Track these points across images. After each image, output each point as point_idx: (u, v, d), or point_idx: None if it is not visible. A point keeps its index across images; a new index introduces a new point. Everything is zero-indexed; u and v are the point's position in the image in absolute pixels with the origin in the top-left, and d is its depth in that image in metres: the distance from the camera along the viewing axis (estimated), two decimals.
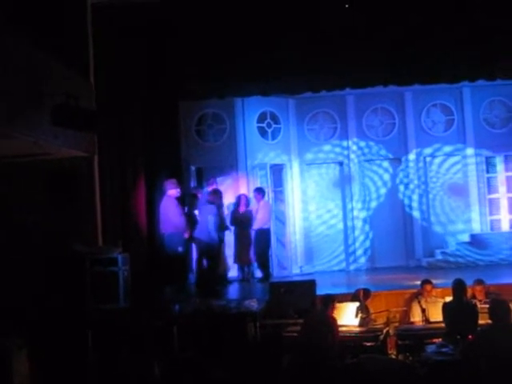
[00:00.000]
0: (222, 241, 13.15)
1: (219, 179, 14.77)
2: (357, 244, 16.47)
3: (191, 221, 12.28)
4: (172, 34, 11.33)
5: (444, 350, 8.43)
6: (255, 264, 14.13)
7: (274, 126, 16.06)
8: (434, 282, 11.32)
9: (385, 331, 10.07)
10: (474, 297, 10.58)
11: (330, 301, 9.59)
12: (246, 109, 15.56)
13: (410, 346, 9.65)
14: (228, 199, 14.37)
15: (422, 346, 9.11)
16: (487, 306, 8.33)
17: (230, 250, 14.07)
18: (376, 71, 11.91)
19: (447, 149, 16.49)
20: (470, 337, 8.41)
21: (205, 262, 12.55)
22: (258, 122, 15.84)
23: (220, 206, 12.97)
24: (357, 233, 16.47)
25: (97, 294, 9.04)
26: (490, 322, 7.57)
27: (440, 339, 9.24)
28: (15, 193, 9.10)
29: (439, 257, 15.95)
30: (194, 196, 13.15)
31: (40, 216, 9.19)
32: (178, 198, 11.91)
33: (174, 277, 11.54)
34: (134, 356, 7.82)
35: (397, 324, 10.63)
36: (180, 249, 11.63)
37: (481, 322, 9.11)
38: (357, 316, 10.17)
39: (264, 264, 13.99)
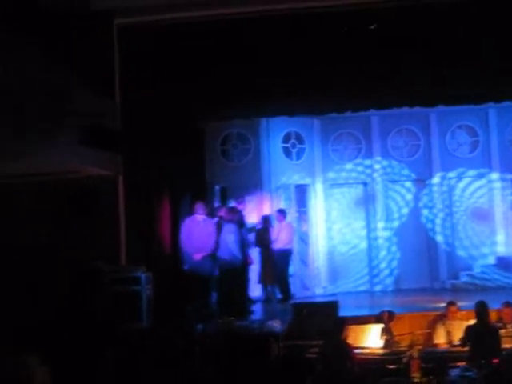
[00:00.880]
0: (246, 259, 13.10)
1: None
2: (381, 265, 16.37)
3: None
4: (198, 55, 11.38)
5: (468, 374, 8.35)
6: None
7: (298, 146, 16.06)
8: (458, 304, 11.21)
9: (408, 354, 9.97)
10: (500, 320, 10.47)
11: (342, 324, 9.53)
12: (270, 129, 15.57)
13: (434, 369, 9.50)
14: (252, 219, 14.37)
15: (445, 369, 9.03)
16: None
17: (254, 270, 14.04)
18: (401, 92, 11.89)
19: (472, 172, 16.38)
20: (494, 361, 8.32)
21: (228, 281, 12.56)
22: (283, 142, 15.85)
23: (241, 224, 12.98)
24: (382, 253, 16.39)
25: (119, 313, 9.05)
26: None
27: (464, 363, 9.15)
28: (38, 210, 9.19)
29: (464, 279, 15.81)
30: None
31: (62, 234, 9.26)
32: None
33: (197, 296, 11.55)
34: (155, 375, 7.82)
35: (420, 346, 10.53)
36: (216, 272, 11.75)
37: (507, 345, 9.01)
38: (381, 338, 10.11)
39: (283, 284, 13.97)
